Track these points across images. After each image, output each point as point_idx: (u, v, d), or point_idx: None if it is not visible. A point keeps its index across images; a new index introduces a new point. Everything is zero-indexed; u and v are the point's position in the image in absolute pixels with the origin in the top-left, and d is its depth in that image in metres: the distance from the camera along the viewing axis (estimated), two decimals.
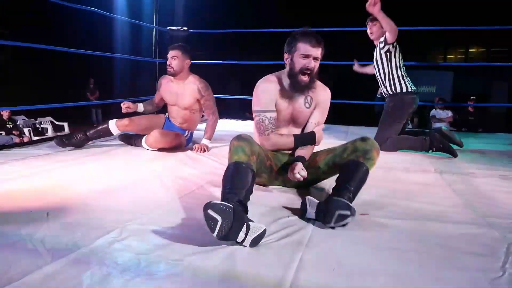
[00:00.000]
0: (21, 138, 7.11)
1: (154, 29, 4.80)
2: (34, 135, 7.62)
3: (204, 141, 2.89)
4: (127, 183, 1.99)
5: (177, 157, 2.63)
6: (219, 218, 1.21)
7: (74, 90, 10.41)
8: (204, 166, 2.42)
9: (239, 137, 1.63)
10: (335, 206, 1.41)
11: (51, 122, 8.42)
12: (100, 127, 2.89)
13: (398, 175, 2.33)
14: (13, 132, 7.13)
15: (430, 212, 1.66)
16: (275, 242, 1.30)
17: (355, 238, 1.35)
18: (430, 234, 1.40)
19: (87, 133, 2.85)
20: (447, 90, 11.99)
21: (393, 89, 3.11)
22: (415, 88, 3.13)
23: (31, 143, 3.35)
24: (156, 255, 1.17)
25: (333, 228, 1.42)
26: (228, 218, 1.21)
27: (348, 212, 1.40)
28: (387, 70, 3.11)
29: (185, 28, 4.66)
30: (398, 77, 3.09)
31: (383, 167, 2.48)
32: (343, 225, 1.42)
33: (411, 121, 6.36)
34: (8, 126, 7.19)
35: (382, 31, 3.07)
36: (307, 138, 1.94)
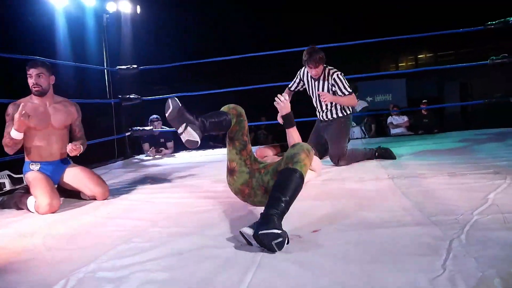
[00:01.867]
0: None
1: (105, 70, 4.78)
2: None
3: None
4: (72, 233, 1.91)
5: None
6: (171, 105, 1.85)
7: None
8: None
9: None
10: (268, 240, 1.42)
11: (9, 175, 8.09)
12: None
13: (353, 186, 2.38)
14: None
15: (380, 219, 1.69)
16: (223, 264, 1.30)
17: (303, 256, 1.35)
18: (377, 241, 1.43)
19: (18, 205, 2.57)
20: (401, 96, 12.46)
21: (340, 113, 3.28)
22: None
23: None
24: None
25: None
26: (177, 110, 1.83)
27: (280, 238, 1.42)
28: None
29: (135, 66, 4.67)
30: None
31: (338, 179, 2.59)
32: (283, 245, 1.42)
33: (369, 130, 6.55)
34: None
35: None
36: None
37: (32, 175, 2.51)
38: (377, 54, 13.10)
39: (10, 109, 2.50)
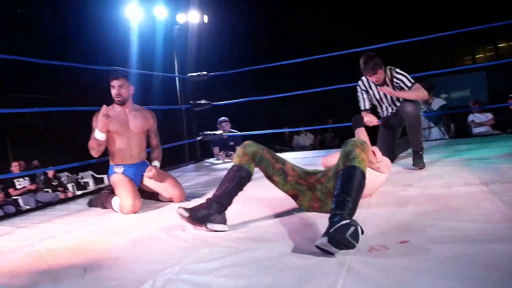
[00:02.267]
0: (65, 194, 7.48)
1: (177, 78, 5.02)
2: (77, 190, 8.00)
3: (155, 164, 2.83)
4: (155, 234, 1.99)
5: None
6: (182, 217, 1.86)
7: None
8: None
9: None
10: (341, 235, 1.36)
11: (92, 175, 8.83)
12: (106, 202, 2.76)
13: (438, 192, 2.17)
14: (58, 188, 7.52)
15: (477, 231, 1.51)
16: (309, 274, 1.28)
17: (395, 269, 1.26)
18: (479, 257, 1.27)
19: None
20: (482, 91, 11.48)
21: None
22: None
23: (73, 198, 3.54)
24: None
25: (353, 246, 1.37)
26: (189, 219, 1.85)
27: (352, 227, 1.36)
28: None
29: (205, 73, 4.85)
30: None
31: (420, 185, 2.39)
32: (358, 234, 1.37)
33: (448, 130, 6.06)
34: (54, 183, 7.60)
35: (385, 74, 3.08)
36: None
37: (117, 178, 2.69)
38: (450, 47, 12.23)
39: (95, 118, 2.71)
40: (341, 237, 1.36)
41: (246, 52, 8.94)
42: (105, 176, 8.75)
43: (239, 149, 1.98)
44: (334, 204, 1.57)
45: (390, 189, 2.33)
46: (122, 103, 2.78)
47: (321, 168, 2.16)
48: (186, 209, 1.88)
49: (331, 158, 2.49)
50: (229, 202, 1.91)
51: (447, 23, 5.07)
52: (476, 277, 1.15)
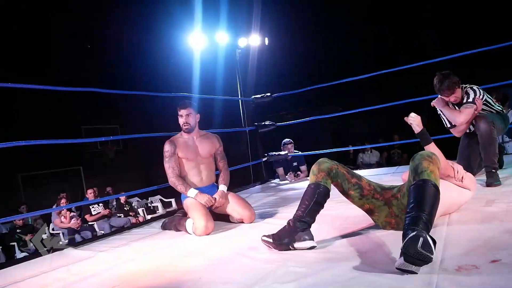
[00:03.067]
0: (136, 218, 7.80)
1: (240, 100, 5.10)
2: (147, 214, 8.31)
3: (222, 188, 2.86)
4: (230, 255, 2.00)
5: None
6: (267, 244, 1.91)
7: None
8: None
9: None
10: (413, 249, 1.31)
11: (160, 200, 9.15)
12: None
13: None
14: (130, 213, 7.86)
15: None
16: None
17: (488, 287, 1.18)
18: None
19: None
20: None
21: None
22: None
23: (145, 222, 3.66)
24: None
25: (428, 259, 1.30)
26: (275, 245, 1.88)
27: (420, 238, 1.31)
28: None
29: (268, 94, 4.88)
30: None
31: (505, 200, 2.21)
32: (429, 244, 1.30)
33: None
34: (126, 208, 7.97)
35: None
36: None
37: (190, 201, 2.76)
38: None
39: (167, 146, 2.85)
40: (414, 252, 1.30)
41: (306, 72, 8.94)
42: (173, 200, 9.05)
43: (314, 167, 1.97)
44: (406, 220, 1.51)
45: (472, 206, 2.17)
46: (190, 131, 2.90)
47: (397, 183, 2.06)
48: (269, 236, 1.90)
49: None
50: (312, 220, 1.90)
51: None
52: None
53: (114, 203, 8.22)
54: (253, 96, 5.07)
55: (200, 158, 2.91)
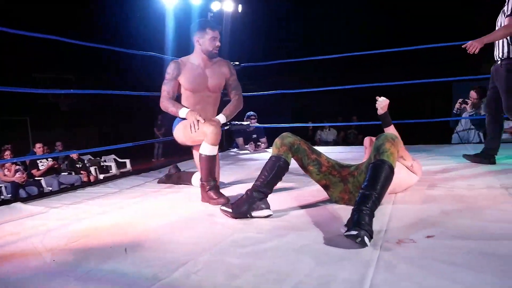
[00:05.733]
0: (88, 177, 7.62)
1: None
2: (100, 173, 8.14)
3: (220, 117, 2.57)
4: (192, 217, 2.07)
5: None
6: (226, 213, 1.96)
7: (142, 126, 11.10)
8: None
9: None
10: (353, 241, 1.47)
11: (115, 159, 8.97)
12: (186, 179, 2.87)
13: (462, 193, 2.23)
14: (81, 171, 7.66)
15: (501, 230, 1.58)
16: (341, 262, 1.34)
17: (422, 261, 1.32)
18: (502, 254, 1.33)
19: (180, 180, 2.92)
20: None
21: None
22: None
23: (98, 182, 3.60)
24: (231, 285, 1.22)
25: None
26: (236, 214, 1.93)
27: (359, 238, 1.45)
28: None
29: (237, 63, 4.85)
30: None
31: (445, 186, 2.45)
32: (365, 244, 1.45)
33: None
34: (78, 166, 7.75)
35: None
36: None
37: (184, 122, 2.50)
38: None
39: (171, 67, 2.57)
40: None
41: (279, 45, 8.89)
42: (127, 161, 8.89)
43: (277, 140, 2.04)
44: (358, 197, 1.64)
45: (416, 187, 2.39)
46: (214, 57, 2.64)
47: (353, 162, 2.20)
48: (228, 206, 1.98)
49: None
50: (270, 190, 1.98)
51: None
52: (497, 269, 1.22)
53: (66, 162, 7.91)
54: None
55: (208, 93, 2.65)
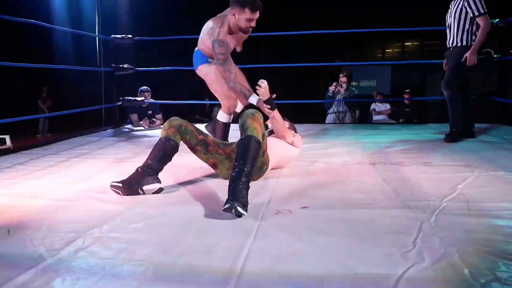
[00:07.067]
0: None
1: (97, 38, 4.77)
2: None
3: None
4: (82, 195, 2.05)
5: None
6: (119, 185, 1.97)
7: (24, 99, 10.02)
8: None
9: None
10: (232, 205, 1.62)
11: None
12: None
13: (337, 169, 2.57)
14: None
15: (361, 200, 1.90)
16: (224, 232, 1.50)
17: (294, 229, 1.54)
18: (358, 220, 1.63)
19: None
20: (386, 84, 12.73)
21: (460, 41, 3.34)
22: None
23: None
24: (119, 258, 1.30)
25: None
26: (124, 188, 1.97)
27: (233, 210, 1.60)
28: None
29: (130, 36, 4.70)
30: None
31: (324, 161, 2.78)
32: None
33: (354, 113, 6.68)
34: None
35: None
36: None
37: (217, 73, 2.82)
38: (363, 41, 13.32)
39: (226, 47, 2.69)
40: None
41: (179, 17, 8.66)
42: (7, 137, 7.99)
43: (165, 124, 2.15)
44: (233, 173, 1.80)
45: (299, 163, 2.68)
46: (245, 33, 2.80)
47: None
48: (118, 182, 1.99)
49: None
50: (160, 168, 2.06)
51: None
52: (347, 233, 1.49)
53: None
54: (113, 36, 4.81)
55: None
